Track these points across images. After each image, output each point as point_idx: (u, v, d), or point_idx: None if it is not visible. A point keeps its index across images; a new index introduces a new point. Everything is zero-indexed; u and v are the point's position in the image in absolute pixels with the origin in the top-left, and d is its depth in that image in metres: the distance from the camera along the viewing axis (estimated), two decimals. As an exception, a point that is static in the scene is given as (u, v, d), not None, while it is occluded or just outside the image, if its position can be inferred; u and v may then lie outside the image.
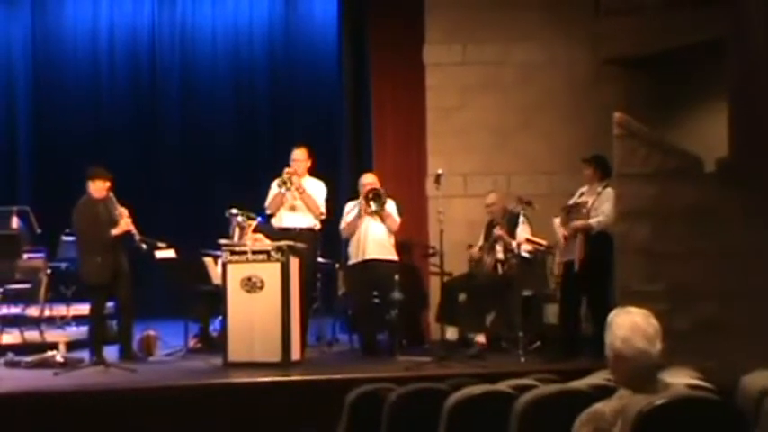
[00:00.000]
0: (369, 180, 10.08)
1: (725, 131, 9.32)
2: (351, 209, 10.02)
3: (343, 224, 10.03)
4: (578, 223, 9.14)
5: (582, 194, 9.47)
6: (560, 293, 9.62)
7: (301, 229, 9.77)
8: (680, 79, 11.39)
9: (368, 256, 9.81)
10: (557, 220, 9.39)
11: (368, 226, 9.83)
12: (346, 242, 10.19)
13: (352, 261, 10.02)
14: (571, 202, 9.47)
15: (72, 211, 9.42)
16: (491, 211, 10.22)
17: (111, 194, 9.43)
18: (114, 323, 9.82)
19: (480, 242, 10.23)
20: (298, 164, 9.87)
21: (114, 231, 9.25)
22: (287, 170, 9.76)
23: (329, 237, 10.58)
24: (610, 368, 3.87)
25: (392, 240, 9.96)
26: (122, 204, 9.41)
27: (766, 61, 8.51)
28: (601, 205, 9.11)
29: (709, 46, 10.09)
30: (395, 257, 9.95)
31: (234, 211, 9.61)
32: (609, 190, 8.96)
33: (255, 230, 9.51)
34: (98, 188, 9.41)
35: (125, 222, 9.28)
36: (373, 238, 9.81)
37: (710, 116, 10.83)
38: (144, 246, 9.37)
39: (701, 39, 10.39)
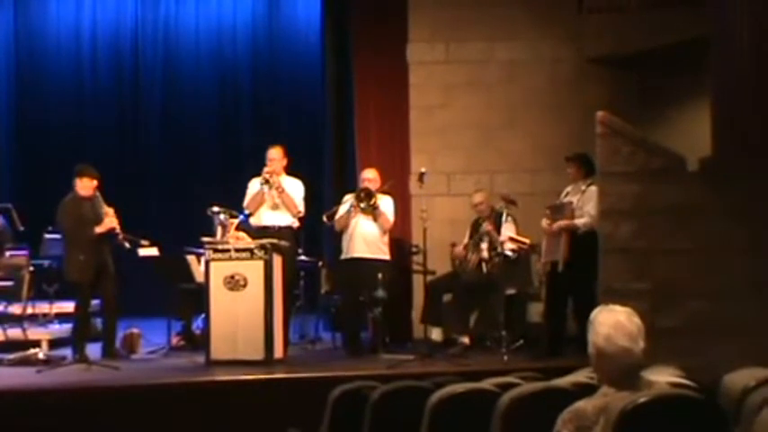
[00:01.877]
0: (368, 176, 10.03)
1: (708, 130, 9.33)
2: (346, 201, 9.98)
3: (337, 216, 9.99)
4: (563, 222, 9.14)
5: (567, 194, 9.45)
6: (545, 293, 9.60)
7: (280, 227, 9.73)
8: (664, 78, 11.41)
9: (355, 254, 9.78)
10: (545, 221, 9.36)
11: (358, 223, 9.78)
12: (338, 238, 10.15)
13: (342, 257, 10.00)
14: (557, 202, 9.45)
15: (57, 208, 9.38)
16: (479, 210, 10.19)
17: (97, 193, 9.42)
18: (99, 321, 9.78)
19: (465, 240, 10.21)
20: (274, 163, 9.82)
21: (98, 229, 9.23)
22: (266, 170, 9.73)
23: (312, 235, 10.55)
24: (592, 366, 3.88)
25: (385, 239, 9.90)
26: (106, 203, 9.39)
27: (750, 60, 8.52)
28: (585, 204, 9.10)
29: (692, 45, 10.10)
30: (385, 256, 9.87)
31: (216, 208, 9.60)
32: (593, 188, 8.92)
33: (238, 228, 9.50)
34: (85, 186, 9.39)
35: (109, 220, 9.27)
36: (363, 236, 9.77)
37: (694, 115, 10.85)
38: (126, 244, 9.37)
39: (685, 37, 10.43)
